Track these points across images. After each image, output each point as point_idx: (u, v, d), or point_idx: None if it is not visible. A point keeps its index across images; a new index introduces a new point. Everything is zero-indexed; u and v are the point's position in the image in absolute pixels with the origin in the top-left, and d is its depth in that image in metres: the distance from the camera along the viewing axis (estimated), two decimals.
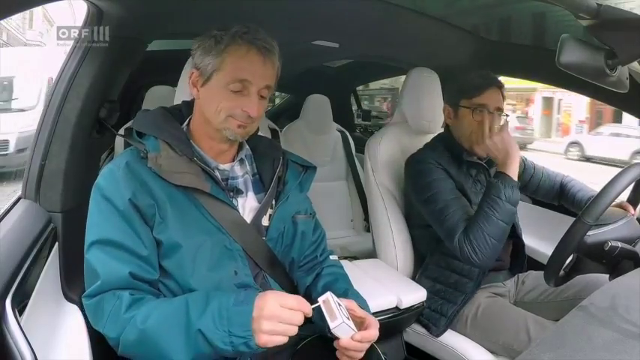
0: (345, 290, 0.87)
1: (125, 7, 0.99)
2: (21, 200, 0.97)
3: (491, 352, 1.14)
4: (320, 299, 0.70)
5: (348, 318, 0.71)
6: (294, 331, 0.66)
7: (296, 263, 0.92)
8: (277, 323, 0.65)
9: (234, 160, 0.87)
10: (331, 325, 0.68)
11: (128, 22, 1.04)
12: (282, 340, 0.66)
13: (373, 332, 0.76)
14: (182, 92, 1.05)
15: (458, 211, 1.16)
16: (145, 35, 1.19)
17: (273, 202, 0.88)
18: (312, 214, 0.96)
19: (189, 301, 0.70)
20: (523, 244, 1.34)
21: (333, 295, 0.71)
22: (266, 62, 0.79)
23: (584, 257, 0.91)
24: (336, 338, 0.72)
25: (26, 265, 0.75)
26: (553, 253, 0.90)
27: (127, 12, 1.01)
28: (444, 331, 1.22)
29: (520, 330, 1.07)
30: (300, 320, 0.67)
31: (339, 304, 0.70)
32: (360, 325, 0.76)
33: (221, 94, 0.78)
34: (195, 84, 0.81)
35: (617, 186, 0.88)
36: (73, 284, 0.92)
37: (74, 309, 0.89)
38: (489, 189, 1.10)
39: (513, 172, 1.10)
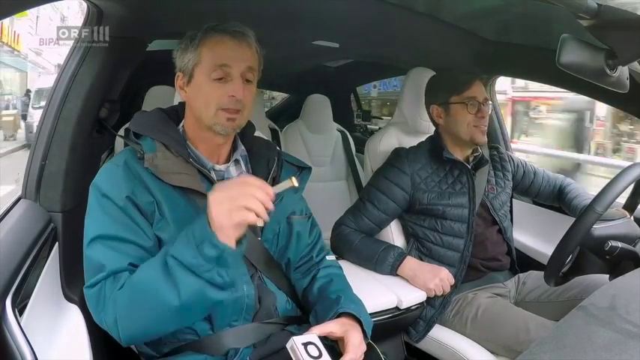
0: (339, 293, 0.86)
1: (125, 7, 0.99)
2: (21, 200, 0.97)
3: (492, 353, 1.13)
4: (287, 346, 0.71)
5: (320, 355, 0.70)
6: (254, 203, 0.65)
7: (292, 264, 0.92)
8: (232, 202, 0.65)
9: (229, 161, 0.88)
10: None
11: (128, 22, 1.04)
12: (249, 216, 0.65)
13: (350, 357, 0.75)
14: None
15: (368, 219, 1.28)
16: (146, 35, 1.19)
17: None
18: (307, 214, 0.96)
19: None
20: (512, 247, 1.37)
21: (298, 338, 0.71)
22: (241, 44, 0.79)
23: (586, 253, 0.92)
24: None
25: (26, 265, 0.75)
26: (559, 244, 0.91)
27: (127, 12, 1.01)
28: (424, 336, 1.23)
29: (521, 330, 1.06)
30: (262, 194, 0.66)
31: (307, 345, 0.69)
32: (342, 343, 0.77)
33: (205, 86, 0.79)
34: (182, 86, 0.83)
35: (627, 177, 0.91)
36: (73, 284, 0.92)
37: (74, 309, 0.89)
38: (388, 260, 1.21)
39: (405, 274, 1.21)
